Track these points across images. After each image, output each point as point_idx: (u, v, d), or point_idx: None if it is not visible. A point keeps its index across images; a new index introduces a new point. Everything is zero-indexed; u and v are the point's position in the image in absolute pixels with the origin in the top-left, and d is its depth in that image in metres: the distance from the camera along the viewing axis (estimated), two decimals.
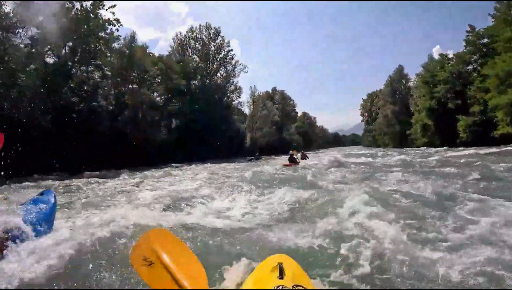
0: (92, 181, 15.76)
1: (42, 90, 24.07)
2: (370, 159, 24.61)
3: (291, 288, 2.03)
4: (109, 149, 27.38)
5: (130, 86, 34.54)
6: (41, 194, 5.52)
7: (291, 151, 24.01)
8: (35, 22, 25.60)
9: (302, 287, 2.08)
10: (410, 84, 77.76)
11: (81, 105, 27.57)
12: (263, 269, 2.47)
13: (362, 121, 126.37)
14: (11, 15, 24.27)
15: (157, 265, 2.21)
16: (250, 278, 2.54)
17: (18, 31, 25.06)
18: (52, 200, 5.28)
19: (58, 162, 21.44)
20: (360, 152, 47.11)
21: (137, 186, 13.51)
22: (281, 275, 2.22)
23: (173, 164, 28.85)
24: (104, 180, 16.53)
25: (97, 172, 21.14)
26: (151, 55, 39.81)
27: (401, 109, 76.35)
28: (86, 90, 29.11)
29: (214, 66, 56.01)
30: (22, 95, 22.91)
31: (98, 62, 31.09)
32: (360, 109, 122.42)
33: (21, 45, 25.34)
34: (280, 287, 2.02)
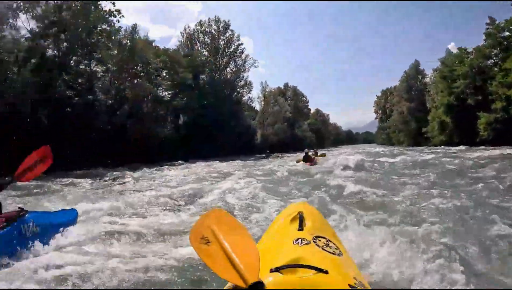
0: (87, 181, 14.85)
1: (35, 83, 23.10)
2: (391, 159, 22.74)
3: (311, 240, 1.97)
4: (107, 146, 26.03)
5: (130, 79, 33.08)
6: (64, 210, 5.87)
7: (306, 149, 22.91)
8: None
9: (323, 237, 2.06)
10: (427, 79, 75.30)
11: (76, 98, 26.29)
12: (283, 220, 2.47)
13: (376, 118, 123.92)
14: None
15: (214, 244, 2.05)
16: (270, 229, 2.57)
17: (9, 21, 24.24)
18: (74, 215, 5.59)
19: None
20: (375, 150, 45.20)
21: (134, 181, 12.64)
22: (301, 226, 2.19)
23: (178, 162, 27.84)
24: (99, 178, 15.85)
25: (91, 171, 20.04)
26: (157, 48, 38.65)
27: (417, 106, 73.83)
28: (82, 83, 27.99)
29: (224, 60, 54.99)
30: (12, 89, 21.83)
31: (99, 55, 30.09)
32: (373, 106, 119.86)
33: (14, 37, 24.48)
34: (299, 241, 1.97)
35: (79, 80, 27.96)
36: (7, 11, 23.73)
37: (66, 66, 26.77)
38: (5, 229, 3.97)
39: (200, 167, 22.15)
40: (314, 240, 1.96)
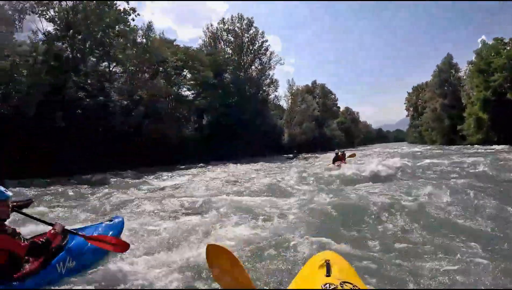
0: (99, 187, 14.14)
1: (50, 85, 22.93)
2: (426, 161, 20.59)
3: (338, 285, 2.05)
4: (121, 148, 25.52)
5: (147, 78, 32.08)
6: (111, 220, 5.94)
7: (336, 150, 22.90)
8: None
9: (350, 283, 2.10)
10: (461, 74, 71.93)
11: (88, 100, 25.51)
12: (310, 267, 2.52)
13: (407, 116, 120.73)
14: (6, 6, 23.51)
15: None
16: (298, 276, 2.60)
17: (15, 24, 24.21)
18: (119, 226, 5.78)
19: (59, 164, 19.75)
20: (408, 150, 43.15)
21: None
22: (328, 272, 2.25)
23: (200, 164, 27.01)
24: (109, 186, 15.04)
25: (102, 175, 18.99)
26: (177, 46, 37.84)
27: (450, 102, 70.56)
28: (95, 83, 27.28)
29: (248, 58, 53.97)
30: (17, 92, 21.51)
31: (115, 55, 29.76)
32: (405, 103, 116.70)
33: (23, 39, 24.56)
34: (327, 285, 2.04)
35: (93, 81, 27.40)
36: (13, 12, 23.70)
37: (79, 68, 26.37)
38: (40, 273, 4.01)
39: (219, 172, 20.87)
40: (341, 285, 2.01)
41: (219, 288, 3.74)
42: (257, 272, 4.55)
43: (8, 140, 19.13)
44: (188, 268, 4.70)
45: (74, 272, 4.41)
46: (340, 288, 1.97)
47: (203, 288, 4.14)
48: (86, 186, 14.64)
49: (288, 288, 2.54)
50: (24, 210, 4.61)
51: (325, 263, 2.32)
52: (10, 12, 23.41)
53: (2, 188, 4.07)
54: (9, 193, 4.09)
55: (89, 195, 11.92)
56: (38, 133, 20.63)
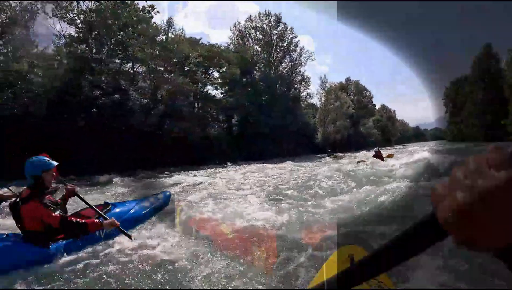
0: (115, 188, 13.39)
1: (64, 86, 22.80)
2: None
3: None
4: (142, 148, 24.85)
5: (169, 75, 31.21)
6: (156, 194, 6.84)
7: (375, 148, 24.45)
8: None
9: (375, 278, 2.14)
10: (502, 65, 68.08)
11: (103, 98, 24.86)
12: (334, 261, 2.56)
13: (445, 112, 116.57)
14: (18, 8, 23.63)
15: None
16: (321, 271, 2.62)
17: (29, 25, 24.19)
18: (167, 198, 6.77)
19: (70, 165, 19.04)
20: (449, 148, 41.22)
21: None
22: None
23: (226, 164, 26.59)
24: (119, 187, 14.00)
25: (117, 176, 18.02)
26: (201, 44, 37.36)
27: (492, 95, 67.21)
28: (113, 82, 26.66)
29: (278, 55, 53.35)
30: (27, 92, 21.24)
31: (133, 53, 29.04)
32: (443, 99, 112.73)
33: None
34: None
35: (109, 79, 26.90)
36: (24, 13, 23.68)
37: (98, 67, 26.13)
38: (78, 237, 4.41)
39: (247, 171, 19.87)
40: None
41: (222, 288, 3.94)
42: (280, 262, 4.42)
43: (15, 140, 18.62)
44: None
45: (112, 235, 4.79)
46: (365, 283, 1.52)
47: (202, 288, 4.00)
48: (97, 186, 14.07)
49: (311, 283, 2.59)
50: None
51: (349, 257, 2.32)
52: (22, 13, 23.44)
53: (46, 158, 4.44)
54: (54, 163, 4.47)
55: (100, 195, 11.31)
56: (48, 133, 20.14)
